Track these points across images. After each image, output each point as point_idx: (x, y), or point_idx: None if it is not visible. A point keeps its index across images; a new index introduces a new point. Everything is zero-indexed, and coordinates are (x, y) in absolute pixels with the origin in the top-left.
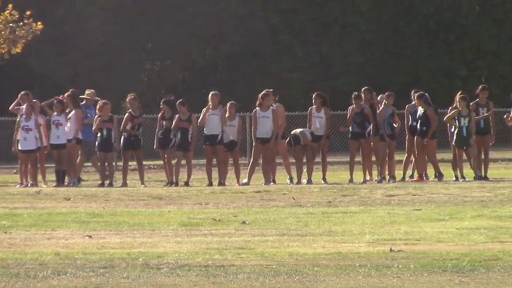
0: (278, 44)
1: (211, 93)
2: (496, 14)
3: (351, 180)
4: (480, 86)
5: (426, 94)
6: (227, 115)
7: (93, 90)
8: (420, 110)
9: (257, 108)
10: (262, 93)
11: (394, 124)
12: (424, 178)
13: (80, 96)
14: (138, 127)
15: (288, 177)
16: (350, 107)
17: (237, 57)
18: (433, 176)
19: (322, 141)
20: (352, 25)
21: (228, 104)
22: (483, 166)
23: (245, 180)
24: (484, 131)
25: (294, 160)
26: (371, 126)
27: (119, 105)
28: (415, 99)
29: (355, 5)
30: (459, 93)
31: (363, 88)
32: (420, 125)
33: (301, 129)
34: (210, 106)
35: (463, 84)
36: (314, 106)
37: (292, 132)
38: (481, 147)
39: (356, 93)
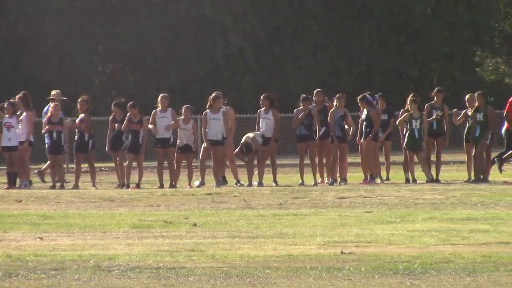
0: (230, 46)
1: (160, 95)
2: (448, 17)
3: (302, 183)
4: (436, 89)
5: (367, 95)
6: (182, 117)
7: (58, 90)
8: (364, 112)
9: (207, 110)
10: (212, 95)
11: (346, 126)
12: (379, 180)
13: (47, 98)
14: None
15: (235, 181)
16: (296, 109)
17: (188, 60)
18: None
19: (271, 143)
20: (304, 28)
21: (184, 108)
22: (435, 168)
23: (197, 182)
24: (437, 133)
25: (243, 163)
26: (323, 129)
27: (71, 108)
28: (359, 101)
29: (307, 8)
30: (411, 95)
31: (316, 90)
32: (364, 127)
33: (252, 135)
34: (160, 109)
35: (415, 86)
36: (262, 108)
37: (243, 140)
38: (432, 149)
39: (304, 95)
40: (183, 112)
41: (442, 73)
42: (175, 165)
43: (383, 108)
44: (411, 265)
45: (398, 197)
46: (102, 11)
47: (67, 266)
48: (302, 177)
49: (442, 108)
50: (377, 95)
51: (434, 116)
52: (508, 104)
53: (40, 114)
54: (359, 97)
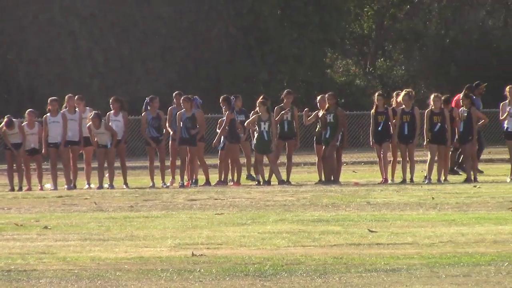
0: (78, 49)
1: (5, 120)
2: (298, 18)
3: (152, 185)
4: (285, 91)
5: (196, 97)
6: (26, 122)
7: None
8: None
9: (47, 114)
10: (50, 98)
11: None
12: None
13: None
14: None
15: (86, 182)
16: (144, 113)
17: (37, 62)
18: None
19: (120, 145)
20: (153, 31)
21: (27, 112)
22: (285, 170)
23: (49, 185)
24: (288, 136)
25: (96, 165)
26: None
27: None
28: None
29: (155, 10)
30: (260, 97)
31: (174, 93)
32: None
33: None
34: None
35: (265, 88)
36: (112, 110)
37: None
38: (283, 151)
39: (152, 96)
40: (26, 116)
41: (291, 75)
42: (24, 167)
43: (239, 109)
44: (262, 267)
45: (249, 199)
46: None
47: None
48: (152, 179)
49: (292, 110)
50: (233, 97)
51: (279, 117)
52: (454, 102)
53: None
54: (183, 97)
